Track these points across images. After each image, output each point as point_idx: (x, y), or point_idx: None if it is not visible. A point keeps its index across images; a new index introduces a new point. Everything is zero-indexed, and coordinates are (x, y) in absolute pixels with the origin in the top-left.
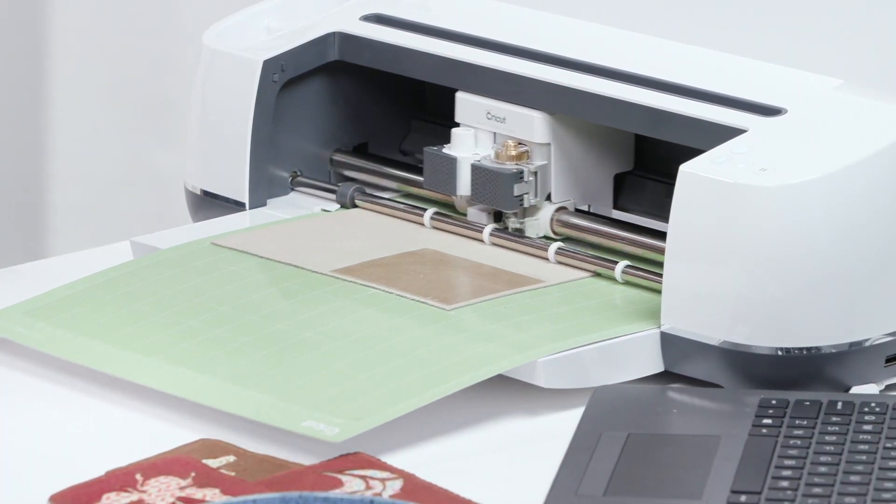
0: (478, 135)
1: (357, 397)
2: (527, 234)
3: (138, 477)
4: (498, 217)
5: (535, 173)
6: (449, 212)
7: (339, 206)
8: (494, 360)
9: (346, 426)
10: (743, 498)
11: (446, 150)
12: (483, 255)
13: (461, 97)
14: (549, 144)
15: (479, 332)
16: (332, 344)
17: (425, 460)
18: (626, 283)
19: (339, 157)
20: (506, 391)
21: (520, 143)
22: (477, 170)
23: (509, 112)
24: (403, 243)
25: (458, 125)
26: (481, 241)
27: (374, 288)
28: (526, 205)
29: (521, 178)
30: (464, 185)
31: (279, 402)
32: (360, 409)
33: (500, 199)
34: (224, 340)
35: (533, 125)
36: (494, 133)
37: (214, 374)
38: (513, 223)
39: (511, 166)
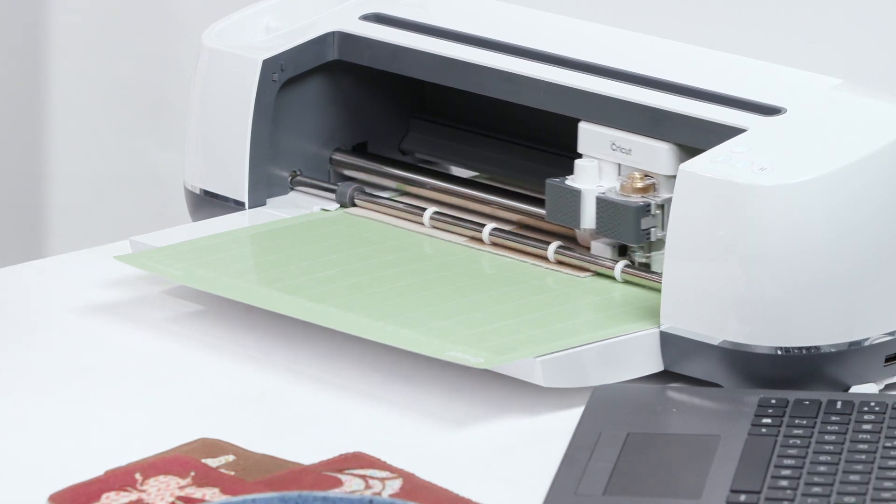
0: (602, 166)
1: (499, 337)
2: (653, 269)
3: (138, 476)
4: (623, 251)
5: (662, 206)
6: (449, 210)
7: (338, 205)
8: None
9: (491, 358)
10: (742, 497)
11: (569, 181)
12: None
13: (584, 127)
14: (675, 177)
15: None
16: (470, 297)
17: (425, 459)
18: (626, 282)
19: (338, 157)
20: (505, 390)
21: (646, 175)
22: (602, 203)
23: (635, 143)
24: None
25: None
26: (481, 240)
27: (504, 256)
28: (653, 238)
29: (648, 211)
30: (588, 218)
31: (423, 337)
32: (503, 347)
33: (626, 232)
34: (363, 287)
35: (659, 156)
36: (619, 164)
37: (357, 312)
38: (638, 257)
39: (637, 199)
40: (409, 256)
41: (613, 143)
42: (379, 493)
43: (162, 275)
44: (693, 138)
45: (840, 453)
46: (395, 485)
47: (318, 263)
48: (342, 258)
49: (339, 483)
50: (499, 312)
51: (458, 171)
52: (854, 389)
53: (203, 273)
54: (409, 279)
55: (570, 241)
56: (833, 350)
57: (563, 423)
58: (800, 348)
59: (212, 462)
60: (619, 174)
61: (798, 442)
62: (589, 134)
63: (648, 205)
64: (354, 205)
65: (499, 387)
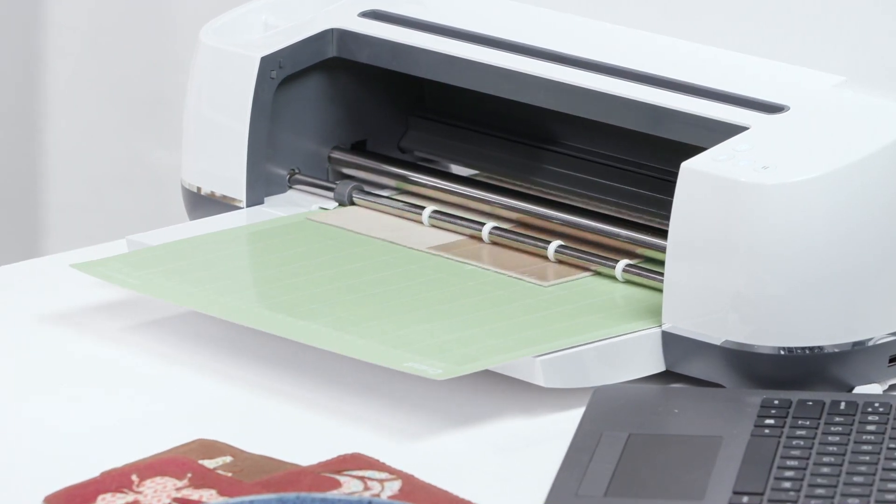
0: None
1: (460, 348)
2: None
3: (134, 478)
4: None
5: None
6: (448, 209)
7: (336, 203)
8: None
9: (450, 368)
10: (745, 499)
11: None
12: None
13: None
14: None
15: (578, 305)
16: (432, 308)
17: (424, 461)
18: (627, 281)
19: (337, 155)
20: (505, 390)
21: None
22: None
23: None
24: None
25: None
26: (480, 239)
27: (471, 265)
28: None
29: None
30: None
31: (381, 347)
32: (463, 357)
33: None
34: (326, 296)
35: None
36: None
37: (317, 321)
38: None
39: None
40: (376, 264)
41: None
42: (378, 495)
43: (116, 283)
44: (695, 136)
45: (844, 454)
46: (394, 486)
47: (283, 271)
48: (309, 266)
49: (337, 484)
50: (465, 322)
51: (457, 170)
52: (858, 390)
53: (160, 282)
54: (375, 287)
55: (571, 239)
56: (836, 350)
57: (563, 424)
58: (803, 348)
59: (209, 463)
60: None
61: (801, 443)
62: None
63: None
64: (353, 203)
65: (499, 387)
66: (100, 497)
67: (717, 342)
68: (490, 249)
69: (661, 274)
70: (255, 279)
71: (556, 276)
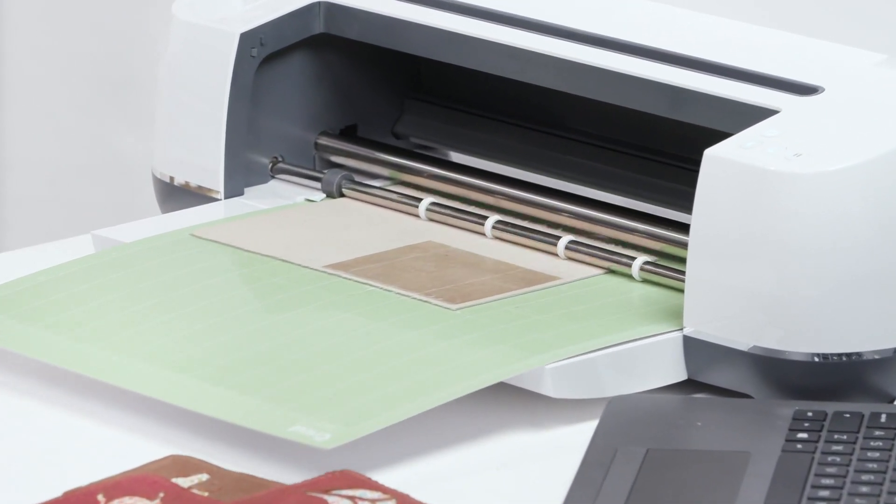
0: None
1: (350, 400)
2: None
3: (100, 498)
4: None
5: None
6: (447, 201)
7: (324, 195)
8: (499, 365)
9: (339, 431)
10: None
11: None
12: (486, 250)
13: None
14: None
15: (485, 334)
16: (323, 343)
17: (420, 479)
18: (645, 280)
19: (324, 141)
20: (510, 401)
21: None
22: None
23: None
24: (403, 235)
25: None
26: (483, 234)
27: (371, 285)
28: None
29: None
30: None
31: (263, 405)
32: (353, 414)
33: None
34: (202, 338)
35: None
36: None
37: (191, 374)
38: None
39: None
40: (263, 289)
41: None
42: None
43: None
44: (719, 121)
45: (884, 472)
46: None
47: (155, 306)
48: (186, 297)
49: None
50: (362, 361)
51: (457, 158)
52: None
53: (11, 327)
54: (260, 320)
55: (583, 234)
56: (876, 357)
57: (574, 438)
58: (839, 355)
59: (183, 482)
60: None
61: (838, 459)
62: None
63: None
64: (342, 194)
65: (503, 398)
66: None
67: (745, 348)
68: (394, 265)
69: (683, 272)
70: (119, 320)
71: (465, 299)
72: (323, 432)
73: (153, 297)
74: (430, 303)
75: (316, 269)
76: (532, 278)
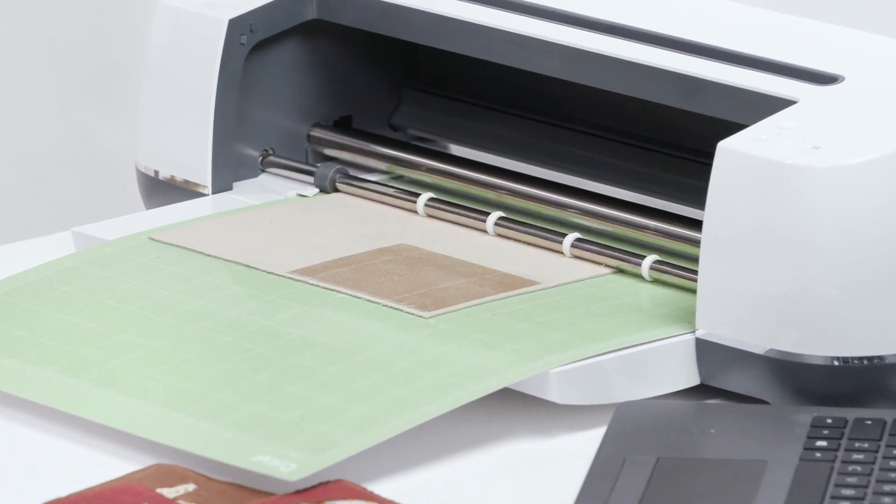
0: None
1: (317, 425)
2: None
3: None
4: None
5: None
6: (447, 196)
7: (317, 189)
8: (491, 373)
9: (305, 461)
10: None
11: None
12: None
13: None
14: None
15: (465, 343)
16: (288, 361)
17: (418, 489)
18: (655, 280)
19: (317, 133)
20: (513, 408)
21: None
22: None
23: None
24: (378, 238)
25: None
26: (484, 230)
27: (339, 292)
28: None
29: None
30: None
31: (225, 432)
32: (321, 441)
33: None
34: (160, 357)
35: None
36: None
37: (148, 398)
38: None
39: None
40: (224, 299)
41: None
42: None
43: None
44: (734, 111)
45: None
46: None
47: (109, 321)
48: (142, 310)
49: None
50: (330, 379)
51: (457, 151)
52: None
53: None
54: (221, 335)
55: (590, 232)
56: None
57: (581, 446)
58: (860, 358)
59: (168, 492)
60: None
61: (859, 468)
62: None
63: None
64: (336, 189)
65: (505, 403)
66: None
67: (761, 351)
68: (364, 269)
69: (695, 272)
70: (69, 340)
71: (440, 305)
72: (288, 462)
73: (105, 314)
74: (402, 310)
75: (281, 275)
76: (513, 282)
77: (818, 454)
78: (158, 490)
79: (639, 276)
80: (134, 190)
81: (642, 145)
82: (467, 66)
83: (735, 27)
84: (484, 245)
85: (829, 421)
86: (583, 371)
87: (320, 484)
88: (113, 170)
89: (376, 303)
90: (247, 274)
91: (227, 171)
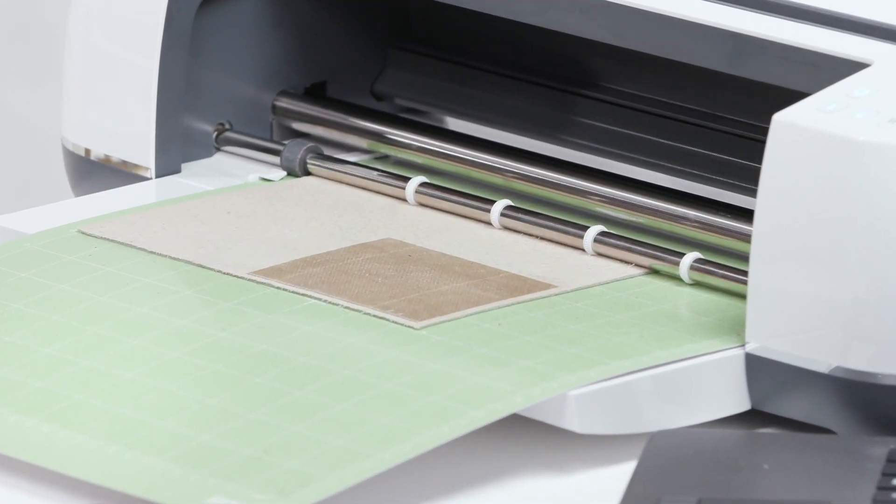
0: None
1: (287, 459)
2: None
3: None
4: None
5: None
6: (441, 181)
7: (284, 173)
8: (496, 396)
9: (274, 502)
10: None
11: None
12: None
13: None
14: None
15: (465, 359)
16: (249, 381)
17: None
18: (696, 283)
19: (284, 104)
20: (523, 439)
21: None
22: None
23: None
24: (359, 231)
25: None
26: (488, 222)
27: (311, 297)
28: None
29: None
30: None
31: (173, 470)
32: (291, 478)
33: None
34: (93, 378)
35: None
36: None
37: (78, 428)
38: None
39: None
40: (172, 305)
41: None
42: None
43: None
44: (793, 77)
45: None
46: None
47: (34, 334)
48: (74, 319)
49: None
50: (298, 403)
51: (455, 125)
52: None
53: None
54: (169, 350)
55: (616, 224)
56: None
57: (606, 485)
58: None
59: None
60: None
61: None
62: None
63: None
64: (308, 172)
65: (520, 433)
66: None
67: (825, 370)
68: (341, 269)
69: (745, 273)
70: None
71: (434, 313)
72: None
73: (25, 325)
74: (388, 319)
75: (241, 277)
76: (523, 285)
77: (894, 495)
78: None
79: (676, 279)
80: (60, 172)
81: (680, 118)
82: (467, 21)
83: None
84: (487, 240)
85: None
86: (608, 394)
87: None
88: (34, 147)
89: (356, 310)
90: (199, 275)
91: (175, 149)
